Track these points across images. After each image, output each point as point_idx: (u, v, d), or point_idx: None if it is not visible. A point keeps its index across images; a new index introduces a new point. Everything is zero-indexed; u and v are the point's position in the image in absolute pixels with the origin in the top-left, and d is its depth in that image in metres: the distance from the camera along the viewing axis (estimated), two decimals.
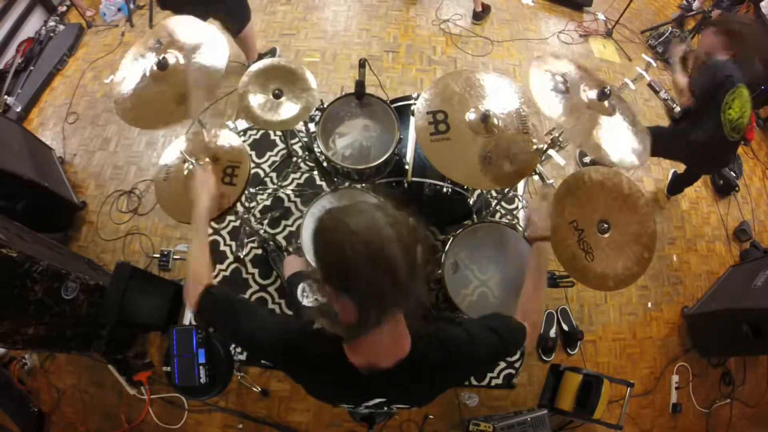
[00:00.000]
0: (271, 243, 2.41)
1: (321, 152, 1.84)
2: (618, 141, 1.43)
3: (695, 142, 2.26)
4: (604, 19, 3.62)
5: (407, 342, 0.84)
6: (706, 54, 2.17)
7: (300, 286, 1.59)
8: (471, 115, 1.54)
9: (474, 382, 2.28)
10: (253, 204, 2.55)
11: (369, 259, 0.68)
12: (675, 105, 3.22)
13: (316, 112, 1.90)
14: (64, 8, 3.51)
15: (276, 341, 0.92)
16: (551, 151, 1.52)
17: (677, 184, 2.86)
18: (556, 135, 1.49)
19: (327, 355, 0.84)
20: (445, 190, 1.85)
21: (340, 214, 0.73)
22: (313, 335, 0.87)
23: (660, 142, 2.42)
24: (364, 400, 0.91)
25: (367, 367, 0.82)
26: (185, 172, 1.60)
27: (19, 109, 2.91)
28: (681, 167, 2.82)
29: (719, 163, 2.55)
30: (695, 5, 3.79)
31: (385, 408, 0.95)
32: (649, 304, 2.63)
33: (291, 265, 1.80)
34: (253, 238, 2.45)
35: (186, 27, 1.61)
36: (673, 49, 2.42)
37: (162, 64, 1.51)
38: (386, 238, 0.69)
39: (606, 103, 1.43)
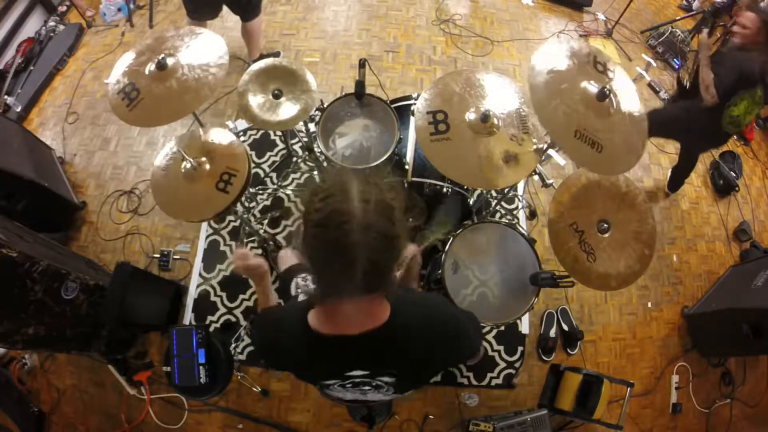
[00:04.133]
0: (271, 243, 2.41)
1: (321, 152, 1.84)
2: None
3: (692, 121, 2.30)
4: (604, 19, 3.62)
5: (381, 314, 0.84)
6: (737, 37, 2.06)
7: (294, 281, 1.58)
8: (471, 115, 1.54)
9: (474, 382, 2.28)
10: (253, 204, 2.55)
11: (324, 242, 0.71)
12: (663, 91, 3.23)
13: (316, 112, 1.90)
14: (64, 8, 3.50)
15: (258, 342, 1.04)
16: (551, 151, 1.53)
17: (676, 177, 2.87)
18: None
19: (296, 333, 0.88)
20: (445, 190, 1.85)
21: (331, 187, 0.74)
22: (279, 320, 0.98)
23: (657, 123, 2.44)
24: (345, 371, 0.91)
25: (340, 336, 0.83)
26: (183, 170, 1.61)
27: (19, 109, 2.91)
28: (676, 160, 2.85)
29: (711, 143, 2.58)
30: (695, 5, 3.79)
31: (374, 385, 0.95)
32: (649, 304, 2.63)
33: (286, 259, 1.79)
34: (253, 238, 2.45)
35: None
36: (704, 41, 2.18)
37: (161, 65, 1.52)
38: (349, 231, 0.68)
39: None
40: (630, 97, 1.43)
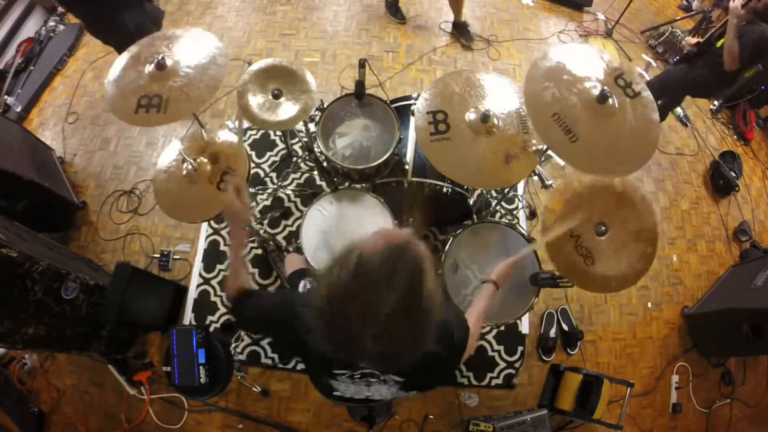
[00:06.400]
0: (271, 243, 2.41)
1: (321, 152, 1.84)
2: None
3: (698, 77, 2.49)
4: (604, 19, 3.62)
5: None
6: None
7: (301, 284, 1.59)
8: (471, 115, 1.54)
9: (474, 382, 2.28)
10: (253, 204, 2.55)
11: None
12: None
13: (316, 112, 1.90)
14: None
15: (277, 312, 1.02)
16: (551, 152, 1.52)
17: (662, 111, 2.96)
18: None
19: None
20: (445, 190, 1.85)
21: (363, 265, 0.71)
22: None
23: (659, 84, 2.66)
24: (356, 359, 0.91)
25: None
26: (184, 172, 1.61)
27: (19, 109, 2.91)
28: None
29: (720, 88, 2.78)
30: (695, 5, 3.79)
31: (381, 380, 0.96)
32: (649, 304, 2.63)
33: (292, 263, 1.81)
34: (253, 238, 2.45)
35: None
36: (735, 9, 2.21)
37: (161, 64, 1.51)
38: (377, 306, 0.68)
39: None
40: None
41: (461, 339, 1.03)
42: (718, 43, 2.37)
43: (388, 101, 1.89)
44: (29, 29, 3.32)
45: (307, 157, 2.60)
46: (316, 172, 2.62)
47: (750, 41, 2.21)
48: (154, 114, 1.46)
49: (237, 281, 1.13)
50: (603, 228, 1.47)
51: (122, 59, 1.58)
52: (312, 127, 1.95)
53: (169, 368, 1.80)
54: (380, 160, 1.75)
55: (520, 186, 2.71)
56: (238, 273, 1.14)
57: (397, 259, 0.70)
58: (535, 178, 1.71)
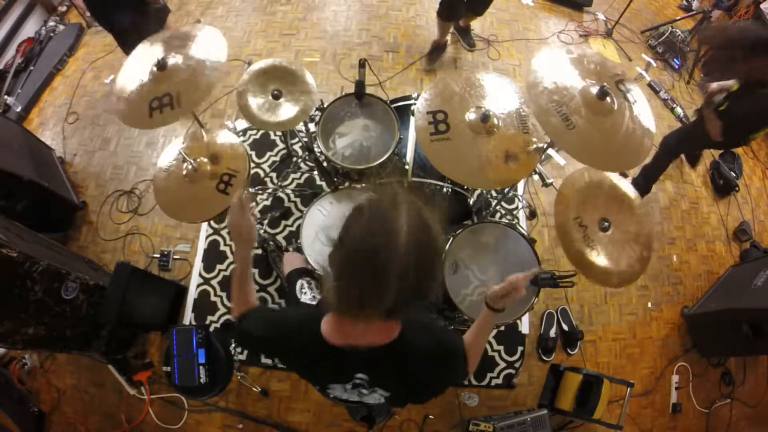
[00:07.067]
0: (271, 243, 2.41)
1: (321, 152, 1.84)
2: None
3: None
4: (604, 19, 3.62)
5: (391, 332, 0.86)
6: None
7: (299, 283, 1.59)
8: (471, 115, 1.54)
9: (474, 382, 2.28)
10: (253, 204, 2.55)
11: (362, 258, 0.71)
12: (675, 105, 3.23)
13: (316, 112, 1.90)
14: (64, 8, 3.51)
15: (273, 333, 1.01)
16: (551, 151, 1.53)
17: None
18: None
19: (314, 339, 0.89)
20: (445, 190, 1.85)
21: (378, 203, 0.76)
22: (302, 322, 0.95)
23: (678, 140, 2.57)
24: (348, 373, 0.94)
25: (347, 347, 0.86)
26: (184, 171, 1.61)
27: (19, 109, 2.92)
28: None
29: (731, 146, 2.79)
30: (695, 5, 3.79)
31: (371, 391, 0.98)
32: (649, 304, 2.63)
33: (290, 262, 1.80)
34: None
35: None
36: (707, 93, 2.23)
37: (161, 65, 1.51)
38: (391, 248, 0.70)
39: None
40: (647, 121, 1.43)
41: (456, 358, 1.03)
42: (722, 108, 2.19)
43: (388, 101, 1.89)
44: (29, 29, 3.32)
45: (307, 157, 2.60)
46: (316, 172, 2.62)
47: (734, 117, 2.07)
48: (168, 111, 1.47)
49: (249, 296, 1.16)
50: (606, 224, 1.48)
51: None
52: (312, 127, 1.95)
53: (169, 368, 1.81)
54: (380, 160, 1.74)
55: (520, 186, 2.71)
56: (248, 289, 1.16)
57: (394, 200, 0.75)
58: (536, 177, 1.71)
